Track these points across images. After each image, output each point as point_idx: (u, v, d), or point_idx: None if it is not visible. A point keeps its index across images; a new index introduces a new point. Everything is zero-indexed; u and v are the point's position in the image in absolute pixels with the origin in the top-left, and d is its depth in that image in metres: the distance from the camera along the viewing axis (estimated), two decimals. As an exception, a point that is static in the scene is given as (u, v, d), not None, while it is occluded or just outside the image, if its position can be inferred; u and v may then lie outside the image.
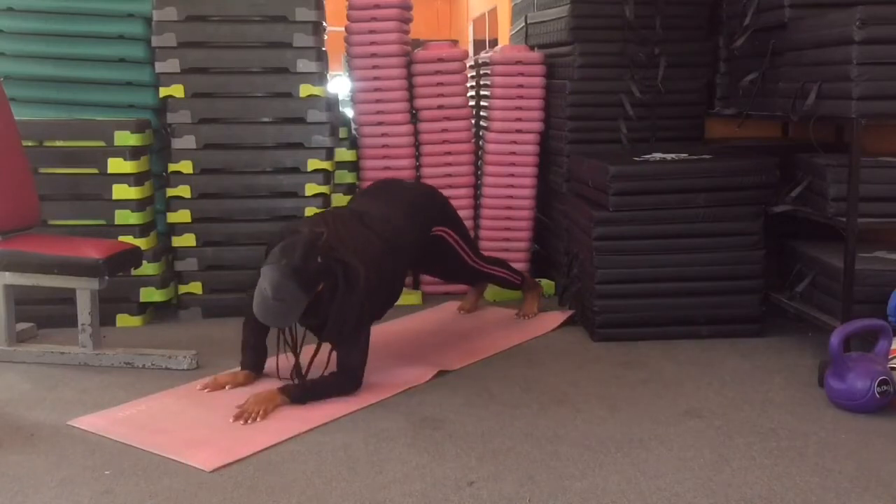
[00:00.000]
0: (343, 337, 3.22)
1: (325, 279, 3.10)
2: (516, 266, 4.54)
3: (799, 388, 3.27)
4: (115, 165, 4.13)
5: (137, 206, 4.19)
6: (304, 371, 3.29)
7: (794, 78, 3.66)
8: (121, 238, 4.06)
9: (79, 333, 3.64)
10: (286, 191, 4.41)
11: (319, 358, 3.29)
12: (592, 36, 4.54)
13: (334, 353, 3.27)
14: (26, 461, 2.71)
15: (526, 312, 4.27)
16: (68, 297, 3.71)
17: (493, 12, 11.17)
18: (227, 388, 3.29)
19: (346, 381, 3.23)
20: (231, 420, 2.98)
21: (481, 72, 5.31)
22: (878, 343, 3.13)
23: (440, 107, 4.83)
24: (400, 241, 3.52)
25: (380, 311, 3.49)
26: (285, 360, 3.32)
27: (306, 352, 3.35)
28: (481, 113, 5.30)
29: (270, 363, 3.44)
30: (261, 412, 3.01)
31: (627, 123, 4.49)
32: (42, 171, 4.12)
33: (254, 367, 3.40)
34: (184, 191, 4.34)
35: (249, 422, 2.97)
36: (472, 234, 4.82)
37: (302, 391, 3.16)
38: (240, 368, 3.40)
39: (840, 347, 3.04)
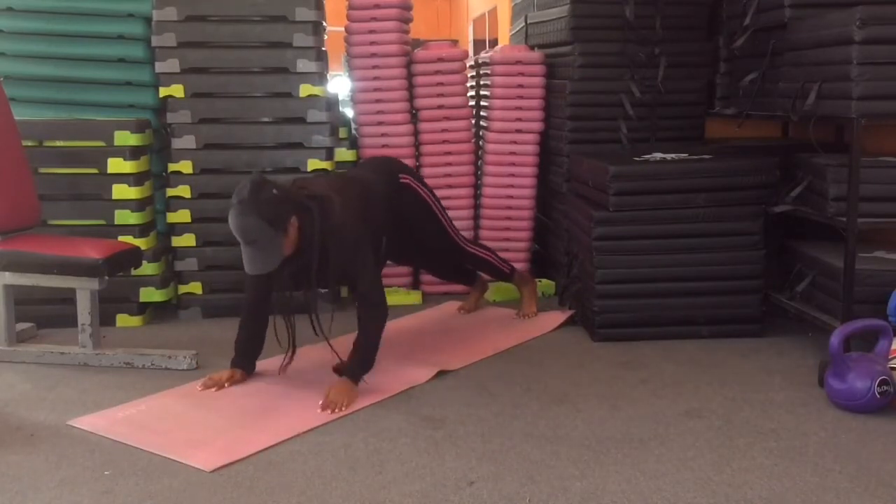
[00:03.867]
0: (346, 260, 3.20)
1: (298, 213, 3.11)
2: (516, 266, 4.54)
3: (799, 388, 3.27)
4: (115, 165, 4.13)
5: (137, 206, 4.18)
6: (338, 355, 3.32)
7: (794, 78, 3.66)
8: (121, 238, 4.06)
9: (79, 333, 3.64)
10: (286, 191, 4.41)
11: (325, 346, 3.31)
12: (592, 36, 4.54)
13: (329, 349, 3.29)
14: (26, 461, 2.71)
15: (526, 312, 4.27)
16: (68, 297, 3.71)
17: (493, 12, 11.18)
18: (226, 385, 3.30)
19: (373, 311, 3.26)
20: (318, 410, 3.03)
21: (481, 72, 5.31)
22: (878, 343, 3.13)
23: (440, 107, 4.82)
24: (368, 180, 3.58)
25: (374, 238, 3.43)
26: (289, 358, 3.36)
27: (310, 351, 3.35)
28: (481, 113, 5.30)
29: (270, 364, 3.45)
30: (345, 402, 3.07)
31: (627, 123, 4.49)
32: (42, 171, 4.12)
33: (244, 364, 3.39)
34: (184, 191, 4.34)
35: (337, 412, 3.02)
36: (471, 234, 4.83)
37: (357, 367, 3.21)
38: (230, 367, 3.38)
39: (840, 347, 3.04)
